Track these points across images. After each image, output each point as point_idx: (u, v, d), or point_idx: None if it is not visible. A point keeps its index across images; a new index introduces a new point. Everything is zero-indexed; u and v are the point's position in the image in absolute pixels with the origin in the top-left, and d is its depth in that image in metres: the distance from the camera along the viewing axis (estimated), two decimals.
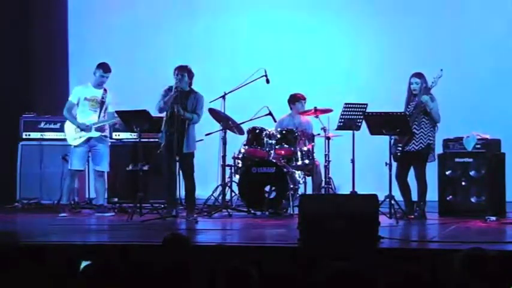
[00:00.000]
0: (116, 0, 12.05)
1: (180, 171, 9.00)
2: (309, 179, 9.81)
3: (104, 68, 9.44)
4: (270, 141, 9.55)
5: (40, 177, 10.22)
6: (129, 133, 10.00)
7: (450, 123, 9.46)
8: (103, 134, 9.50)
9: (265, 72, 9.63)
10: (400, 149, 8.82)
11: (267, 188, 9.27)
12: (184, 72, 8.84)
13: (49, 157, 10.20)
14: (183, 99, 8.81)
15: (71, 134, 9.44)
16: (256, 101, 9.83)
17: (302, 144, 9.69)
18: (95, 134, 9.39)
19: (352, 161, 9.13)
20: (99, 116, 9.43)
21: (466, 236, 7.44)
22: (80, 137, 9.38)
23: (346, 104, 9.31)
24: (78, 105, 9.43)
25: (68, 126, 9.49)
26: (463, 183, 9.09)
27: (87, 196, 10.38)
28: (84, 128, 9.32)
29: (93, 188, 9.92)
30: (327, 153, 9.67)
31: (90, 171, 9.92)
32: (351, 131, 9.17)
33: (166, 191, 9.04)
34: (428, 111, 8.73)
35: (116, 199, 10.06)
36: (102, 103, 9.46)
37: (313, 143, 9.84)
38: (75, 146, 9.40)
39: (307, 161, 9.63)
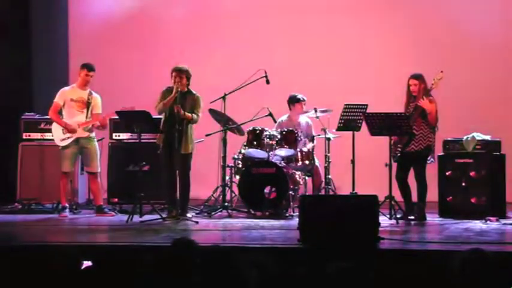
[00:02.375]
0: (116, 1, 12.06)
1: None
2: (309, 180, 9.81)
3: (88, 67, 9.54)
4: (270, 142, 9.55)
5: (40, 177, 10.21)
6: (129, 133, 10.00)
7: (450, 124, 9.45)
8: (91, 134, 9.54)
9: (266, 73, 9.64)
10: (399, 149, 8.81)
11: (267, 189, 9.27)
12: (183, 74, 8.92)
13: (49, 158, 10.19)
14: (181, 100, 8.86)
15: (58, 135, 9.48)
16: (257, 101, 9.83)
17: (302, 145, 9.69)
18: (82, 134, 9.43)
19: (352, 162, 9.14)
20: (86, 117, 9.48)
21: (466, 236, 7.44)
22: (68, 137, 9.41)
23: (346, 104, 9.31)
24: (64, 106, 9.49)
25: (55, 126, 9.53)
26: (463, 184, 9.10)
27: (87, 197, 10.37)
28: (70, 129, 9.36)
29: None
30: (327, 153, 9.68)
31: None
32: (351, 132, 9.18)
33: (167, 191, 9.05)
34: (427, 113, 8.71)
35: (115, 200, 10.06)
36: (88, 104, 9.50)
37: (313, 144, 9.84)
38: (63, 148, 9.44)
39: (307, 162, 9.63)
